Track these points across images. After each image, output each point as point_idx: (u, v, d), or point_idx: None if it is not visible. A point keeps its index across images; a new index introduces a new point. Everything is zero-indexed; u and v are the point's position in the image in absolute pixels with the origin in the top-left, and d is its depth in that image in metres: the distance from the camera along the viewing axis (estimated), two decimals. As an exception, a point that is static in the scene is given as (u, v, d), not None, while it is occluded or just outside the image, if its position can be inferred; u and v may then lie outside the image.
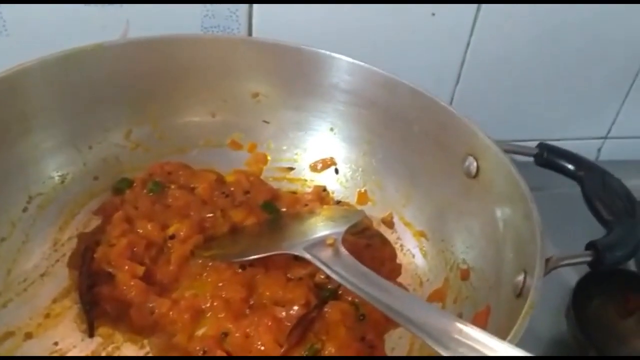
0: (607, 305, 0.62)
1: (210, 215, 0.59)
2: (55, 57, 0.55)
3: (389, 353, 0.51)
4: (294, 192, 0.65)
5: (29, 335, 0.48)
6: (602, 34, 0.79)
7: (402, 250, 0.60)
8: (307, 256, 0.49)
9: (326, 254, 0.49)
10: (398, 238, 0.61)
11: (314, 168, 0.66)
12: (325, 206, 0.62)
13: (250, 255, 0.52)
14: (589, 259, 0.44)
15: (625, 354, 0.61)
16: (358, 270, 0.47)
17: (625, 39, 0.81)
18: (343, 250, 0.49)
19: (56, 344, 0.48)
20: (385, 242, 0.60)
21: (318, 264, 0.48)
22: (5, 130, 0.53)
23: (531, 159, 0.57)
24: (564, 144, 0.86)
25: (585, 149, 0.90)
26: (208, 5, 0.65)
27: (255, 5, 0.66)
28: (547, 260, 0.42)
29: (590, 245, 0.45)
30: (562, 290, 0.63)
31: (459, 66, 0.77)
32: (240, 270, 0.53)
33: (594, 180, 0.50)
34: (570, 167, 0.52)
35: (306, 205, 0.63)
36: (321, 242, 0.51)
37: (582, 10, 0.76)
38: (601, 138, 0.90)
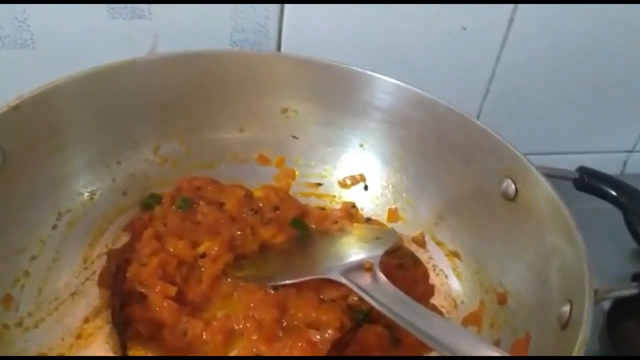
0: (641, 327, 0.61)
1: (240, 232, 0.59)
2: (86, 74, 0.55)
3: (424, 378, 0.50)
4: (323, 208, 0.64)
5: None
6: (631, 48, 0.78)
7: (434, 270, 0.59)
8: (346, 282, 0.48)
9: (364, 280, 0.48)
10: (430, 258, 0.60)
11: (343, 184, 0.66)
12: (355, 224, 0.61)
13: (285, 279, 0.52)
14: (636, 291, 0.43)
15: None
16: (397, 297, 0.46)
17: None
18: (381, 275, 0.48)
19: (89, 366, 0.48)
20: (417, 262, 0.59)
21: (357, 290, 0.48)
22: (37, 148, 0.53)
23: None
24: (590, 157, 0.86)
25: (611, 162, 0.89)
26: (238, 19, 0.64)
27: (284, 20, 0.65)
28: (595, 291, 0.41)
29: (637, 277, 0.44)
30: (597, 312, 0.62)
31: (488, 80, 0.76)
32: (272, 291, 0.53)
33: (635, 206, 0.49)
34: (613, 192, 0.51)
35: (336, 222, 0.62)
36: (358, 267, 0.50)
37: (612, 24, 0.75)
38: (627, 152, 0.89)
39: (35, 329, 0.49)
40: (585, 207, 0.59)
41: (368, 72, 0.61)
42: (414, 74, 0.62)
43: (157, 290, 0.51)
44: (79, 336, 0.50)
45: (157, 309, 0.51)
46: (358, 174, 0.65)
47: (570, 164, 0.79)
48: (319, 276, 0.51)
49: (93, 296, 0.53)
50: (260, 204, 0.62)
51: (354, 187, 0.65)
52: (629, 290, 0.44)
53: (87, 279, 0.54)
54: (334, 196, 0.65)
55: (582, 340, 0.38)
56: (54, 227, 0.55)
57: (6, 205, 0.50)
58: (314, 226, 0.62)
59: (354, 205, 0.64)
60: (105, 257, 0.56)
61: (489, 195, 0.55)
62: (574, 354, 0.36)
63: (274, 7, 0.64)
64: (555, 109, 0.82)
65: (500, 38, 0.72)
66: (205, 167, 0.64)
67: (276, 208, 0.62)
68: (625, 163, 0.90)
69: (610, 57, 0.78)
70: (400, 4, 0.67)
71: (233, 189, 0.63)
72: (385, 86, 0.60)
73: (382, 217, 0.64)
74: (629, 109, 0.86)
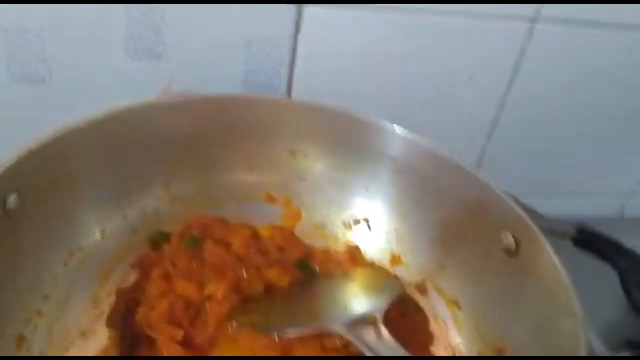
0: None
1: (246, 273, 0.60)
2: (103, 116, 0.56)
3: None
4: (327, 250, 0.66)
5: (71, 399, 0.49)
6: (630, 92, 0.80)
7: (435, 319, 0.60)
8: (350, 337, 0.50)
9: (368, 335, 0.50)
10: (431, 306, 0.61)
11: (347, 226, 0.67)
12: (359, 269, 0.63)
13: (289, 329, 0.53)
14: (630, 354, 0.45)
15: None
16: (399, 353, 0.48)
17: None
18: (385, 331, 0.50)
19: (97, 408, 0.49)
20: (418, 309, 0.61)
21: (361, 346, 0.49)
22: (52, 189, 0.54)
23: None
24: (590, 201, 0.88)
25: (609, 204, 0.91)
26: (251, 63, 0.66)
27: (296, 66, 0.67)
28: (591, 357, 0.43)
29: (631, 344, 0.45)
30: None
31: (491, 125, 0.78)
32: (276, 338, 0.54)
33: (632, 269, 0.51)
34: (609, 252, 0.53)
35: (339, 264, 0.64)
36: (362, 321, 0.52)
37: (612, 70, 0.77)
38: (626, 194, 0.91)
39: (45, 370, 0.50)
40: (585, 263, 0.61)
41: (377, 120, 0.63)
42: (420, 120, 0.64)
43: (165, 334, 0.53)
44: (87, 377, 0.51)
45: (165, 352, 0.52)
46: (362, 218, 0.67)
47: (569, 205, 0.81)
48: (323, 329, 0.52)
49: (102, 336, 0.54)
50: (267, 244, 0.64)
51: (357, 230, 0.67)
52: (623, 354, 0.45)
53: (97, 317, 0.55)
54: (338, 238, 0.67)
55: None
56: (66, 264, 0.56)
57: (21, 245, 0.52)
58: (317, 268, 0.63)
59: (357, 248, 0.66)
60: (114, 296, 0.57)
61: (491, 249, 0.56)
62: None
63: (286, 53, 0.66)
64: (556, 154, 0.84)
65: (504, 86, 0.74)
66: (215, 206, 0.65)
67: (281, 248, 0.64)
68: (623, 206, 0.92)
69: (610, 103, 0.80)
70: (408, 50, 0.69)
71: (240, 229, 0.64)
72: (393, 135, 0.62)
73: (385, 261, 0.65)
74: (628, 152, 0.87)
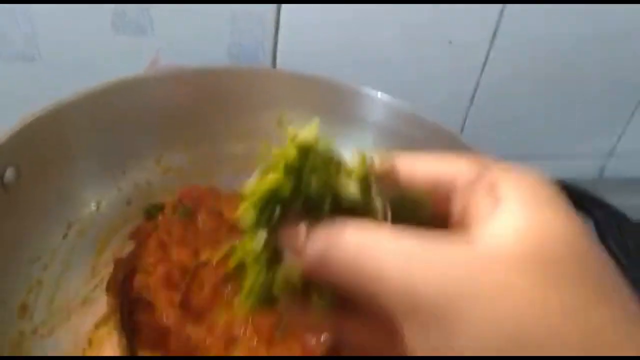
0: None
1: (239, 241, 0.62)
2: (95, 90, 0.58)
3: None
4: (317, 216, 0.68)
5: (75, 363, 0.51)
6: (607, 56, 0.82)
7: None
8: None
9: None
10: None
11: (335, 192, 0.69)
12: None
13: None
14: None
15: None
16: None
17: (631, 61, 0.84)
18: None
19: (101, 370, 0.51)
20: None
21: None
22: (48, 163, 0.56)
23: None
24: (569, 163, 0.91)
25: (590, 166, 0.94)
26: (235, 35, 0.68)
27: (280, 36, 0.69)
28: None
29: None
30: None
31: (473, 89, 0.80)
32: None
33: (607, 221, 0.53)
34: (586, 205, 0.55)
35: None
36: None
37: (591, 32, 0.79)
38: (605, 156, 0.94)
39: (49, 337, 0.52)
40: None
41: (359, 86, 0.64)
42: (403, 85, 0.66)
43: (162, 298, 0.55)
44: (90, 342, 0.53)
45: (163, 316, 0.54)
46: (350, 183, 0.68)
47: (550, 168, 0.83)
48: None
49: (102, 303, 0.56)
50: (258, 212, 0.66)
51: (346, 196, 0.69)
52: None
53: (96, 286, 0.57)
54: (328, 204, 0.69)
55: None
56: (64, 236, 0.58)
57: (20, 219, 0.54)
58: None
59: (346, 213, 0.68)
60: (112, 265, 0.59)
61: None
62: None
63: (270, 24, 0.68)
64: (536, 116, 0.86)
65: (484, 50, 0.76)
66: (206, 177, 0.67)
67: (272, 216, 0.66)
68: (603, 168, 0.94)
69: (588, 66, 0.82)
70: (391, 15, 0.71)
71: (232, 198, 0.66)
72: (376, 101, 0.64)
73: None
74: (606, 116, 0.90)
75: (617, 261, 0.51)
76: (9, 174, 0.51)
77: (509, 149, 0.73)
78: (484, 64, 0.77)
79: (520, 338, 0.22)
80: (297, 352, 0.53)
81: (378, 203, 0.30)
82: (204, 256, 0.59)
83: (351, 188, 0.29)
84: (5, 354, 0.49)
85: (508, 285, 0.23)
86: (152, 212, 0.64)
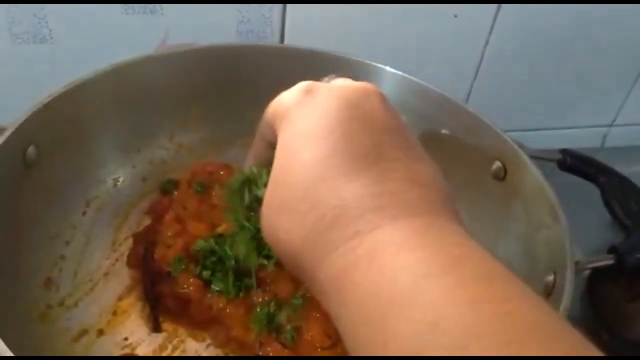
0: (618, 290, 0.68)
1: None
2: (110, 69, 0.59)
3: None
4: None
5: (101, 332, 0.53)
6: (609, 27, 0.83)
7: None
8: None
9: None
10: (427, 233, 0.65)
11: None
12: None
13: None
14: (611, 262, 0.49)
15: (633, 335, 0.67)
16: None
17: (632, 30, 0.85)
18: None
19: (126, 339, 0.53)
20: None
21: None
22: (66, 141, 0.57)
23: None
24: (573, 132, 0.92)
25: (592, 136, 0.95)
26: (244, 12, 0.69)
27: (287, 12, 0.70)
28: (576, 263, 0.47)
29: (612, 250, 0.50)
30: (579, 276, 0.68)
31: (478, 63, 0.81)
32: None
33: (612, 185, 0.55)
34: (590, 172, 0.57)
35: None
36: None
37: (593, 7, 0.80)
38: (607, 126, 0.95)
39: (75, 308, 0.54)
40: (569, 184, 0.65)
41: (366, 60, 0.66)
42: (408, 58, 0.67)
43: (182, 269, 0.57)
44: (114, 313, 0.55)
45: (184, 286, 0.56)
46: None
47: (555, 138, 0.85)
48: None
49: (124, 276, 0.58)
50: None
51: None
52: (606, 262, 0.50)
53: (117, 260, 0.59)
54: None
55: (564, 306, 0.43)
56: (84, 213, 0.60)
57: (42, 196, 0.55)
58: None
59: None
60: (131, 239, 0.61)
61: (482, 175, 0.60)
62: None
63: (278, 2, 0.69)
64: (540, 88, 0.87)
65: (489, 23, 0.77)
66: (218, 152, 0.68)
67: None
68: (605, 137, 0.96)
69: (591, 38, 0.83)
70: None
71: (244, 172, 0.68)
72: (383, 74, 0.65)
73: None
74: (608, 85, 0.91)
75: (620, 222, 0.53)
76: (31, 152, 0.53)
77: (513, 120, 0.74)
78: (488, 37, 0.78)
79: None
80: (316, 318, 0.54)
81: None
82: (220, 229, 0.61)
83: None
84: (33, 325, 0.51)
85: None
86: (168, 187, 0.65)
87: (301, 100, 0.35)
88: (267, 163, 0.38)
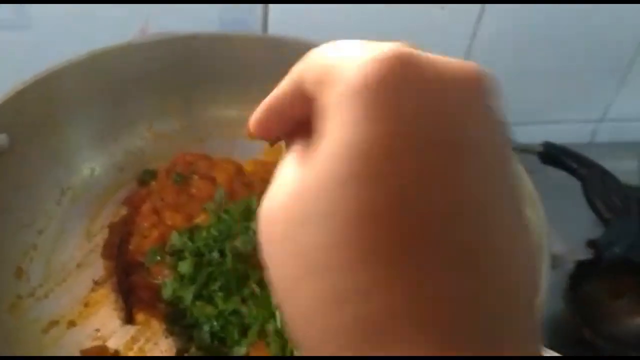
0: (601, 288, 0.67)
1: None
2: (85, 57, 0.58)
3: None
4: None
5: (72, 323, 0.52)
6: (599, 22, 0.82)
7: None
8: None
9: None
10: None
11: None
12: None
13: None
14: (590, 256, 0.48)
15: (616, 332, 0.66)
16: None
17: (622, 26, 0.84)
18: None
19: (98, 330, 0.52)
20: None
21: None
22: (40, 129, 0.56)
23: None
24: (561, 127, 0.91)
25: (580, 132, 0.94)
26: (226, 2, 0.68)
27: (270, 5, 0.69)
28: (553, 257, 0.46)
29: (591, 243, 0.49)
30: (561, 274, 0.67)
31: (464, 55, 0.80)
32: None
33: (593, 178, 0.54)
34: (572, 165, 0.56)
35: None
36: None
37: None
38: (596, 121, 0.94)
39: (45, 299, 0.53)
40: (552, 179, 0.64)
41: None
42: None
43: (157, 260, 0.56)
44: (86, 304, 0.54)
45: (158, 277, 0.55)
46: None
47: (542, 133, 0.84)
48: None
49: (98, 267, 0.57)
50: (251, 178, 0.66)
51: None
52: (584, 255, 0.49)
53: (91, 251, 0.58)
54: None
55: (540, 300, 0.42)
56: (58, 202, 0.59)
57: (14, 184, 0.54)
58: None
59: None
60: (106, 230, 0.60)
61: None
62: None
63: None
64: (527, 83, 0.86)
65: (476, 16, 0.76)
66: (197, 143, 0.67)
67: (266, 181, 0.66)
68: (594, 132, 0.95)
69: (580, 30, 0.82)
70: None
71: (224, 164, 0.67)
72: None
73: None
74: (598, 80, 0.90)
75: (601, 217, 0.52)
76: (1, 139, 0.52)
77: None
78: (475, 30, 0.77)
79: None
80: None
81: None
82: (198, 221, 0.60)
83: None
84: (2, 315, 0.50)
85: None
86: (146, 178, 0.64)
87: (387, 80, 0.19)
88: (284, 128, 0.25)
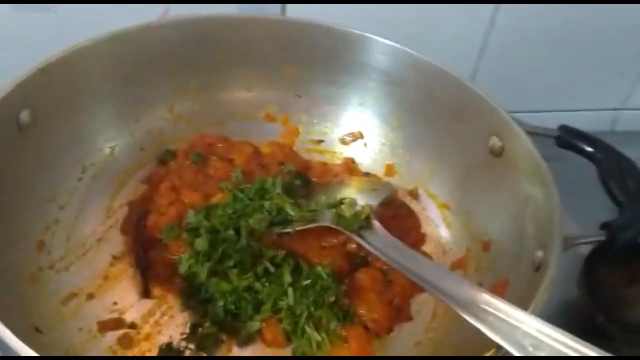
0: (615, 274, 0.67)
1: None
2: (106, 37, 0.59)
3: (414, 315, 0.56)
4: (325, 164, 0.69)
5: (90, 296, 0.53)
6: (621, 12, 0.81)
7: (426, 220, 0.64)
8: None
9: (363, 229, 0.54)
10: (423, 209, 0.65)
11: (343, 141, 0.70)
12: (354, 177, 0.66)
13: (287, 227, 0.57)
14: (603, 238, 0.48)
15: (630, 319, 0.66)
16: (391, 243, 0.52)
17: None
18: (375, 222, 0.54)
19: (115, 303, 0.53)
20: (410, 212, 0.64)
21: (352, 235, 0.53)
22: (62, 107, 0.57)
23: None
24: (581, 114, 0.90)
25: (600, 120, 0.93)
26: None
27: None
28: (565, 238, 0.46)
29: (605, 226, 0.49)
30: (576, 259, 0.67)
31: (484, 41, 0.80)
32: (278, 237, 0.58)
33: (609, 162, 0.54)
34: (588, 149, 0.56)
35: (336, 175, 0.67)
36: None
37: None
38: (617, 109, 0.93)
39: (66, 272, 0.54)
40: (568, 163, 0.64)
41: (366, 34, 0.65)
42: (413, 38, 0.66)
43: (174, 236, 0.57)
44: (105, 278, 0.55)
45: (175, 253, 0.56)
46: (357, 131, 0.70)
47: (562, 120, 0.83)
48: (318, 224, 0.56)
49: (117, 242, 0.58)
50: (267, 160, 0.67)
51: (353, 144, 0.70)
52: (597, 238, 0.49)
53: (111, 227, 0.59)
54: (335, 152, 0.70)
55: (548, 280, 0.43)
56: (80, 179, 0.60)
57: (36, 160, 0.56)
58: (315, 179, 0.67)
59: (353, 161, 0.69)
60: (126, 207, 0.61)
61: (478, 151, 0.59)
62: (540, 292, 0.42)
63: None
64: (547, 69, 0.86)
65: (493, 5, 0.76)
66: (217, 125, 0.68)
67: (281, 164, 0.67)
68: (614, 121, 0.94)
69: (600, 20, 0.82)
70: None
71: (242, 146, 0.68)
72: (383, 48, 0.65)
73: (380, 172, 0.68)
74: (618, 68, 0.89)
75: (616, 200, 0.52)
76: (24, 115, 0.53)
77: (520, 102, 0.72)
78: (494, 18, 0.77)
79: None
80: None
81: None
82: (215, 199, 0.61)
83: None
84: (23, 286, 0.51)
85: None
86: (165, 158, 0.65)
87: None
88: None
